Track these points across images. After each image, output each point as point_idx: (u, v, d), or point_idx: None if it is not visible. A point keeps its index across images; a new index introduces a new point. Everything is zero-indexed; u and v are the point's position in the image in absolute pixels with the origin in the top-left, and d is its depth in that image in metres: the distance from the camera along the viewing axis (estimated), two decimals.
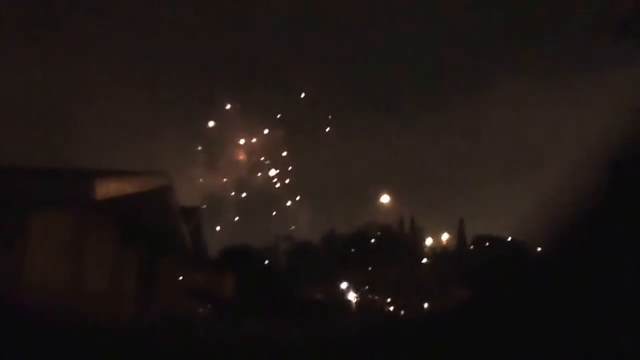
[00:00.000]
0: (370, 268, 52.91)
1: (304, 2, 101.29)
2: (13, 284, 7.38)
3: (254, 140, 77.73)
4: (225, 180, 79.89)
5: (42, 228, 8.33)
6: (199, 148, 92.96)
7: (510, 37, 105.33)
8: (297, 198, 79.90)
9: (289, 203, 79.58)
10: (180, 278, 20.05)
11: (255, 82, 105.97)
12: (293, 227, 73.20)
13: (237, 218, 79.07)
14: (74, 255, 9.51)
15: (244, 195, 76.53)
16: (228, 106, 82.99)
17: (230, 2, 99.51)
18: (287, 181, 74.35)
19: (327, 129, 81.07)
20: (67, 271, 9.29)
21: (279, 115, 79.38)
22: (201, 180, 78.08)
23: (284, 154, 75.89)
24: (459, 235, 66.29)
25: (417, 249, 62.81)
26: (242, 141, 78.10)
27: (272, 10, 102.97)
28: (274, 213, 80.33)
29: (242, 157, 77.50)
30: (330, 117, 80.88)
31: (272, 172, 73.83)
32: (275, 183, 74.39)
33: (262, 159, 75.61)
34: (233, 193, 78.61)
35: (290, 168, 74.73)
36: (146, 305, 14.34)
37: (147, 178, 10.83)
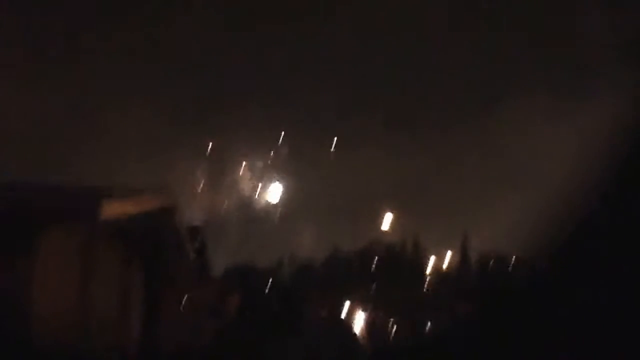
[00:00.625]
0: (374, 287, 52.69)
1: (311, 18, 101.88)
2: (18, 303, 7.43)
3: (259, 158, 77.84)
4: (229, 198, 79.93)
5: (47, 246, 8.40)
6: (204, 167, 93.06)
7: (518, 55, 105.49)
8: (301, 216, 79.85)
9: (292, 221, 79.48)
10: (185, 297, 20.06)
11: (261, 99, 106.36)
12: (296, 245, 73.05)
13: (241, 237, 78.97)
14: (79, 274, 9.61)
15: (248, 213, 76.47)
16: (233, 124, 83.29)
17: (233, 19, 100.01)
18: (290, 199, 74.33)
19: (332, 149, 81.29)
20: (72, 290, 9.38)
21: (283, 133, 79.55)
22: (206, 198, 78.13)
23: (289, 171, 75.94)
24: (463, 253, 66.00)
25: (421, 267, 62.60)
26: (246, 159, 78.20)
27: (278, 27, 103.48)
28: (277, 231, 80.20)
29: (246, 175, 77.59)
30: (335, 137, 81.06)
31: (276, 190, 73.85)
32: (279, 201, 74.38)
33: (267, 177, 75.70)
34: (237, 212, 78.57)
35: (294, 186, 74.74)
36: (151, 324, 14.38)
37: (152, 197, 10.94)
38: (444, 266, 64.79)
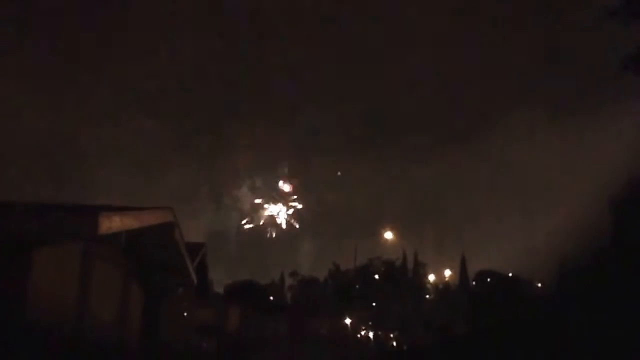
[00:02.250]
0: (374, 303, 52.72)
1: (319, 42, 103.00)
2: (18, 318, 7.59)
3: (261, 177, 78.30)
4: (232, 216, 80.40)
5: (47, 263, 8.52)
6: (207, 185, 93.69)
7: (516, 74, 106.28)
8: (303, 234, 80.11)
9: (294, 239, 79.69)
10: (185, 313, 20.14)
11: (266, 120, 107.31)
12: (298, 262, 73.39)
13: (242, 254, 79.30)
14: (79, 290, 9.72)
15: (250, 231, 76.63)
16: (237, 143, 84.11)
17: (245, 44, 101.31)
18: (293, 218, 74.46)
19: (339, 173, 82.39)
20: (72, 305, 9.49)
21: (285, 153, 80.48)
22: (208, 216, 78.55)
23: (290, 191, 76.18)
24: (461, 271, 66.14)
25: (421, 284, 62.61)
26: (249, 179, 78.77)
27: (287, 51, 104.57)
28: (279, 249, 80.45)
29: (249, 193, 77.96)
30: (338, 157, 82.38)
31: (279, 209, 74.04)
32: (281, 219, 74.51)
33: (269, 196, 75.93)
34: (239, 229, 78.81)
35: (296, 204, 74.93)
36: (151, 339, 14.45)
37: (151, 214, 10.99)
38: (442, 284, 64.92)
